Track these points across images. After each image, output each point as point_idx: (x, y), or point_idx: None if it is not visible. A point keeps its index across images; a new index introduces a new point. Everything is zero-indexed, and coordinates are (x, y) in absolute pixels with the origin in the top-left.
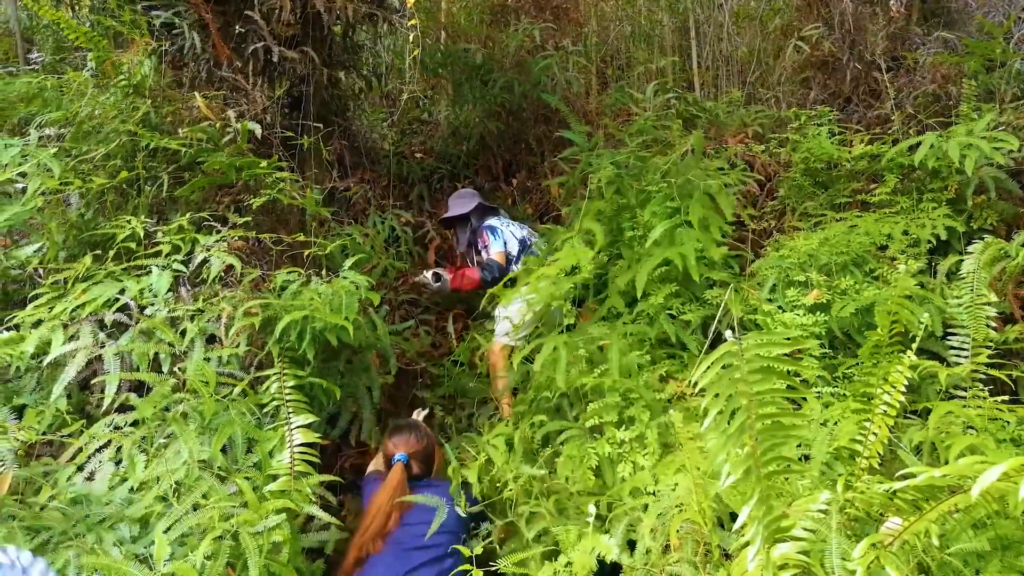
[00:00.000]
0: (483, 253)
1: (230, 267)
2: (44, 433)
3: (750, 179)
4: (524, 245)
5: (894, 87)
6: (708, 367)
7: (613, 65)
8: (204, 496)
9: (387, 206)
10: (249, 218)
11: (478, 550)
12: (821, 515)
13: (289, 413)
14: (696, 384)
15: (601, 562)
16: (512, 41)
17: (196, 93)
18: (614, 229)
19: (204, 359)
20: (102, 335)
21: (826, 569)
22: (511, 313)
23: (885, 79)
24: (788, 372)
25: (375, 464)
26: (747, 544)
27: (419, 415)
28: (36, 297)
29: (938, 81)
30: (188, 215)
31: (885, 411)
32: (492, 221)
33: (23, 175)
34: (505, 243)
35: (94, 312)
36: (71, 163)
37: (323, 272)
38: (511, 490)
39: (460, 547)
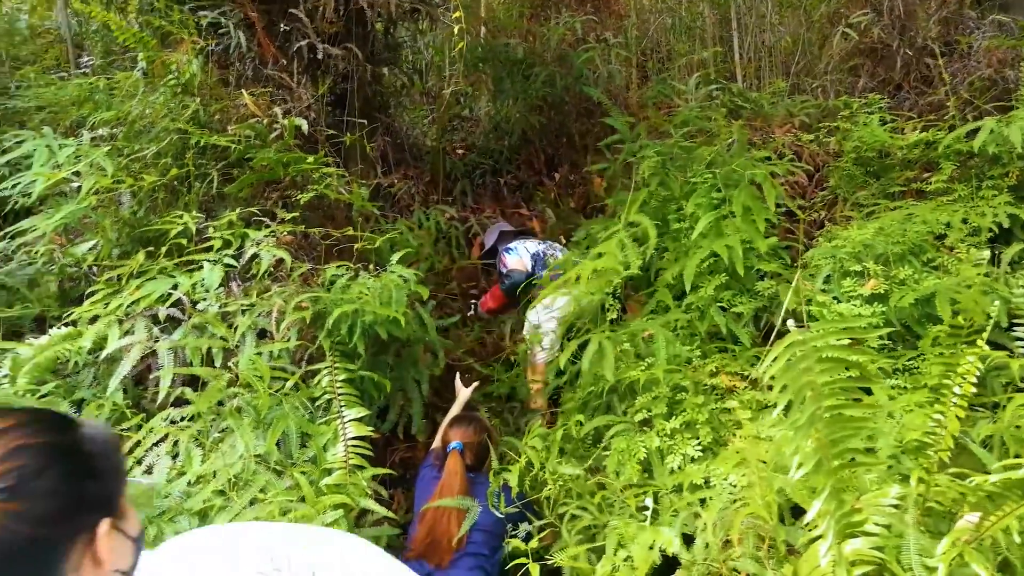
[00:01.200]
0: (502, 271)
1: (280, 262)
2: None
3: (798, 169)
4: (537, 259)
5: (948, 73)
6: (775, 358)
7: (654, 58)
8: (262, 490)
9: (431, 202)
10: (297, 213)
11: (526, 547)
12: (893, 510)
13: (341, 407)
14: (748, 377)
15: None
16: (553, 34)
17: (243, 91)
18: (660, 221)
19: (256, 353)
20: (156, 330)
21: (903, 566)
22: (543, 320)
23: (941, 64)
24: (855, 362)
25: (434, 446)
26: (816, 539)
27: (463, 388)
28: (92, 294)
29: (994, 65)
30: (238, 211)
31: (956, 403)
32: (509, 244)
33: (77, 174)
34: (520, 257)
35: (148, 308)
36: (123, 162)
37: (371, 267)
38: (551, 489)
39: (516, 541)
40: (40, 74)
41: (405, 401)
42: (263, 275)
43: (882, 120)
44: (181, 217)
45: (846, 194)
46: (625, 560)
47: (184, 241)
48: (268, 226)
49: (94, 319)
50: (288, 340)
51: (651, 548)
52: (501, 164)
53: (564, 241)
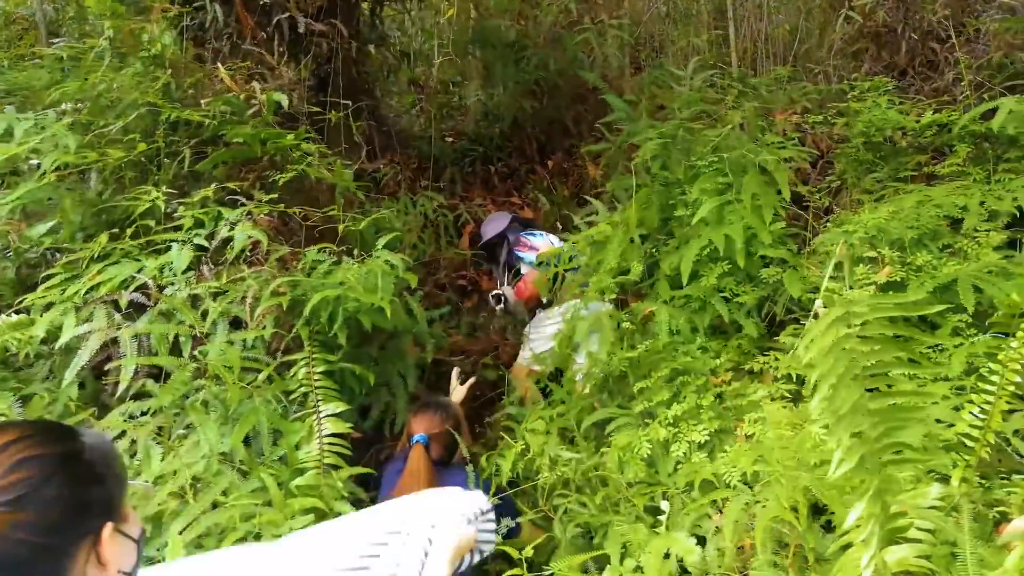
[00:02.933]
0: (524, 258)
1: (256, 245)
2: None
3: (804, 153)
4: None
5: (957, 56)
6: (815, 338)
7: (648, 48)
8: (224, 493)
9: (418, 188)
10: (276, 195)
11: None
12: (937, 513)
13: (318, 401)
14: (751, 371)
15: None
16: (546, 16)
17: (220, 65)
18: (663, 207)
19: (227, 343)
20: (118, 317)
21: None
22: (546, 324)
23: (955, 43)
24: (905, 343)
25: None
26: (848, 547)
27: (458, 386)
28: (48, 278)
29: (1004, 49)
30: (213, 187)
31: (996, 396)
32: (523, 231)
33: (37, 151)
34: (548, 241)
35: (109, 293)
36: (88, 138)
37: (355, 252)
38: (546, 477)
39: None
40: (14, 60)
41: (390, 397)
42: (238, 258)
43: (890, 103)
44: (149, 193)
45: (854, 179)
46: (635, 571)
47: (152, 223)
48: (244, 205)
49: (49, 306)
50: (263, 328)
51: (666, 557)
52: (492, 151)
53: (561, 227)
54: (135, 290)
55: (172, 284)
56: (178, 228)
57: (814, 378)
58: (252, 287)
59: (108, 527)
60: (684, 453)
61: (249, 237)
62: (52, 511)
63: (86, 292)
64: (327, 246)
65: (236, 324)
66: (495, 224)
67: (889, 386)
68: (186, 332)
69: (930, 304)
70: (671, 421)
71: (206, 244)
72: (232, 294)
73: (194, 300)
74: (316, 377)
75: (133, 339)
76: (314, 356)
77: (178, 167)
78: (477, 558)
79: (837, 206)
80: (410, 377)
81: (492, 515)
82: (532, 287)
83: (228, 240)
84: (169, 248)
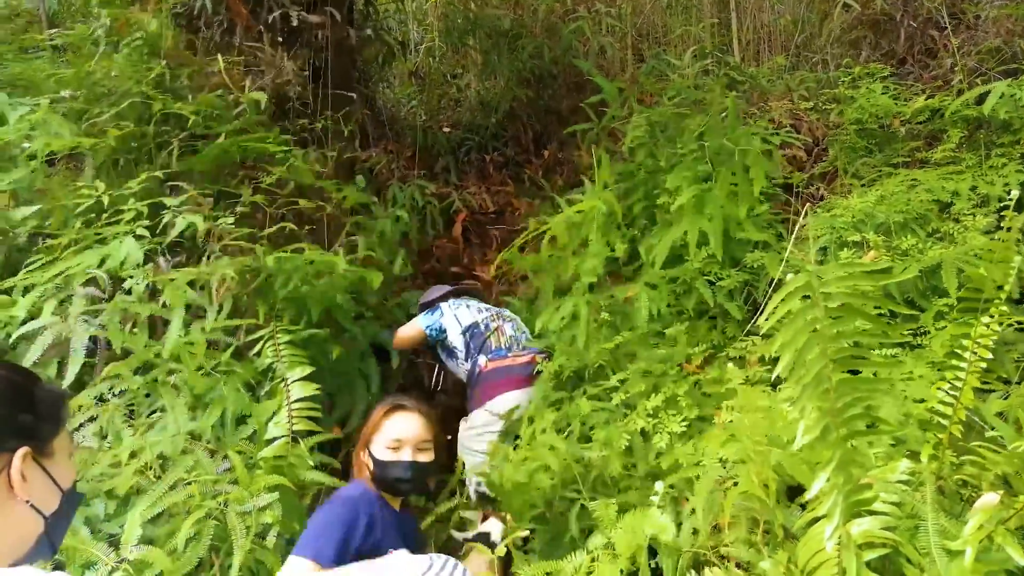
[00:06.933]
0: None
1: (220, 238)
2: None
3: (796, 141)
4: (473, 334)
5: (955, 43)
6: (779, 303)
7: (649, 39)
8: (189, 471)
9: (411, 177)
10: (260, 198)
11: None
12: (904, 487)
13: (284, 365)
14: (732, 357)
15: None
16: (541, 4)
17: (219, 56)
18: (647, 193)
19: (186, 327)
20: (78, 307)
21: (919, 549)
22: (470, 440)
23: (949, 33)
24: (869, 314)
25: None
26: (819, 519)
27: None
28: (31, 263)
29: (1003, 35)
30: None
31: (968, 372)
32: (445, 303)
33: (30, 137)
34: (432, 326)
35: (80, 281)
36: (82, 126)
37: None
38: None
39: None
40: (17, 53)
41: (349, 396)
42: (198, 252)
43: (885, 89)
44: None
45: (846, 166)
46: (606, 547)
47: (144, 208)
48: (185, 191)
49: (30, 289)
50: (219, 310)
51: (639, 533)
52: (487, 140)
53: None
54: (90, 282)
55: (131, 276)
56: (117, 222)
57: (776, 346)
58: (216, 273)
59: (23, 450)
60: (665, 445)
61: (188, 223)
62: None
63: (60, 278)
64: (286, 224)
65: (197, 314)
66: (428, 294)
67: (855, 359)
68: (147, 312)
69: (891, 276)
70: (651, 412)
71: (146, 235)
72: (190, 279)
73: (153, 292)
74: (281, 346)
75: (86, 336)
76: (278, 328)
77: (166, 158)
78: None
79: (830, 193)
80: (373, 379)
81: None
82: (400, 337)
83: (186, 229)
84: (125, 238)
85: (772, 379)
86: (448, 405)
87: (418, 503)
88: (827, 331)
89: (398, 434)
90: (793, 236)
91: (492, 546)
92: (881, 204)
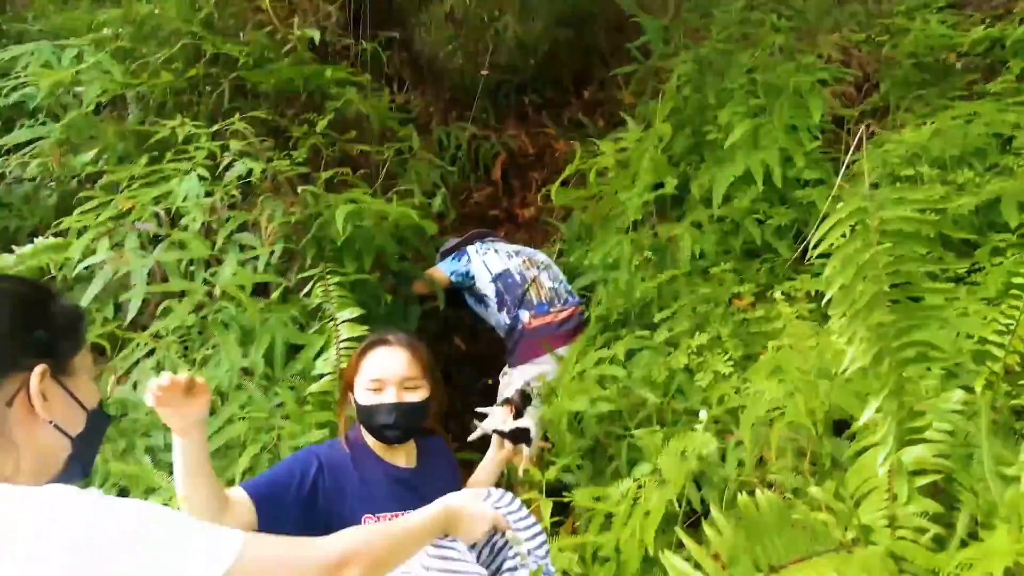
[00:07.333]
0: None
1: (274, 178)
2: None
3: (847, 75)
4: (506, 283)
5: None
6: (832, 227)
7: None
8: (242, 407)
9: (450, 121)
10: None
11: (550, 475)
12: (957, 416)
13: (333, 305)
14: (784, 294)
15: None
16: None
17: None
18: (695, 131)
19: (239, 265)
20: (133, 244)
21: (972, 475)
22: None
23: None
24: (927, 238)
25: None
26: (868, 449)
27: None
28: (84, 202)
29: None
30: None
31: None
32: (471, 247)
33: (80, 81)
34: (458, 272)
35: (136, 220)
36: (131, 66)
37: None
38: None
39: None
40: (59, 5)
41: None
42: (251, 191)
43: (942, 21)
44: (183, 125)
45: (899, 101)
46: (652, 473)
47: (193, 150)
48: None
49: (84, 230)
50: (272, 252)
51: (684, 455)
52: (526, 82)
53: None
54: (150, 220)
55: (187, 213)
56: (187, 159)
57: (828, 270)
58: (266, 211)
59: (41, 367)
60: (709, 383)
61: (248, 167)
62: None
63: (115, 218)
64: (341, 171)
65: (247, 251)
66: (450, 242)
67: (908, 284)
68: (201, 255)
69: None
70: (694, 351)
71: (207, 176)
72: (244, 218)
73: (208, 230)
74: (331, 287)
75: (145, 269)
76: (327, 269)
77: (218, 99)
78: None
79: (881, 128)
80: (412, 315)
81: (516, 503)
82: (422, 285)
83: (244, 172)
84: (186, 176)
85: (822, 313)
86: (479, 353)
87: None
88: (880, 257)
89: (378, 373)
90: (843, 171)
91: (529, 442)
92: (936, 138)
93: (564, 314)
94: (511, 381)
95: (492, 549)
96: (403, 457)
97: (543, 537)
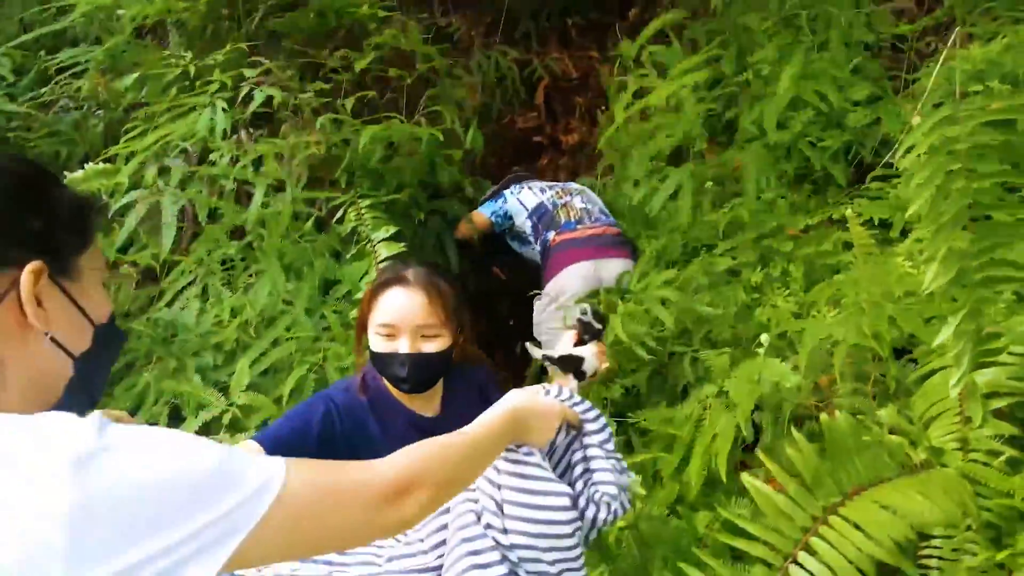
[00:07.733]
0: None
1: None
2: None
3: None
4: (540, 215)
5: None
6: (917, 139)
7: None
8: (288, 329)
9: (492, 44)
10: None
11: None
12: None
13: (368, 228)
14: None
15: None
16: None
17: None
18: (741, 52)
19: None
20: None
21: None
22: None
23: None
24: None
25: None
26: (937, 371)
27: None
28: (129, 130)
29: None
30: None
31: None
32: (507, 190)
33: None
34: (497, 213)
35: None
36: None
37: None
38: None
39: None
40: None
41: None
42: (274, 114)
43: None
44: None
45: (964, 16)
46: (718, 396)
47: (228, 79)
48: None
49: (132, 156)
50: (300, 180)
51: (757, 381)
52: (569, 3)
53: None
54: (179, 154)
55: (217, 149)
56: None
57: (914, 183)
58: (291, 140)
59: (35, 263)
60: (768, 319)
61: (267, 96)
62: None
63: (157, 145)
64: (366, 93)
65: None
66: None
67: (999, 201)
68: (229, 192)
69: (1012, 157)
70: (755, 286)
71: (227, 108)
72: (272, 150)
73: (236, 164)
74: (363, 209)
75: (175, 204)
76: (358, 193)
77: (254, 28)
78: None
79: (943, 45)
80: (450, 251)
81: (587, 404)
82: (465, 226)
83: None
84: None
85: (881, 238)
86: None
87: None
88: (964, 172)
89: (391, 317)
90: (904, 90)
91: (581, 375)
92: (1008, 53)
93: (591, 231)
94: (541, 300)
95: (557, 451)
96: (427, 403)
97: (609, 430)
